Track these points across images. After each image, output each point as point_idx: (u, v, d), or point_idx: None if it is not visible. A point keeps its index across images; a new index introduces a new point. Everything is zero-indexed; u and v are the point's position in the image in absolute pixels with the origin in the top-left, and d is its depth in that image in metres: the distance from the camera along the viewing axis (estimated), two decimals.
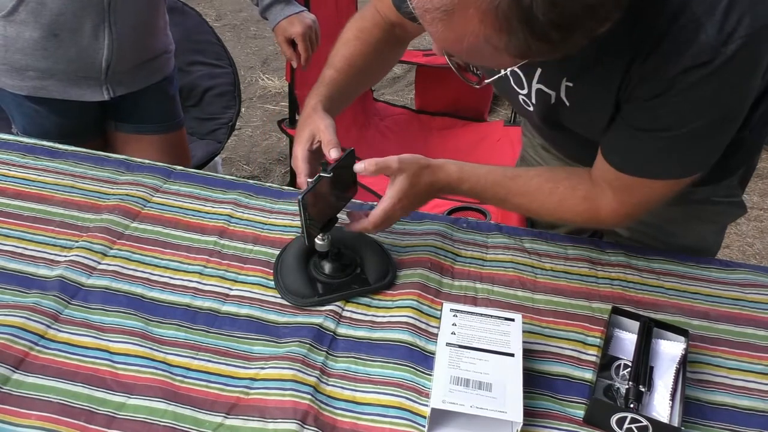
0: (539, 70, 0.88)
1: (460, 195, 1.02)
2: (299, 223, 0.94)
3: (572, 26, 0.64)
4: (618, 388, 0.88)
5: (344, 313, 0.98)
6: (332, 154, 0.94)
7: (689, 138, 0.80)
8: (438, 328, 0.90)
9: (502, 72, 0.84)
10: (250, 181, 1.25)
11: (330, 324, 0.96)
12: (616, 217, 0.93)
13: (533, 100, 0.93)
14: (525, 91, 0.93)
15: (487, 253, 1.11)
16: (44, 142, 1.29)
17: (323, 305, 0.98)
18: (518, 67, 0.90)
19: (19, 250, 1.04)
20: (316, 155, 0.99)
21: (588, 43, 0.70)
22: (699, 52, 0.73)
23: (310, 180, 0.95)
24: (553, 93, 0.89)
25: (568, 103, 0.88)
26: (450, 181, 0.97)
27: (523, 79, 0.91)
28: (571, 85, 0.86)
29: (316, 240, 0.98)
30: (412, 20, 1.02)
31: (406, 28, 1.08)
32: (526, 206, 1.01)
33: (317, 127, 0.97)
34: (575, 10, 0.62)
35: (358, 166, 0.95)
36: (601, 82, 0.82)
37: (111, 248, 1.06)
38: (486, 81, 0.84)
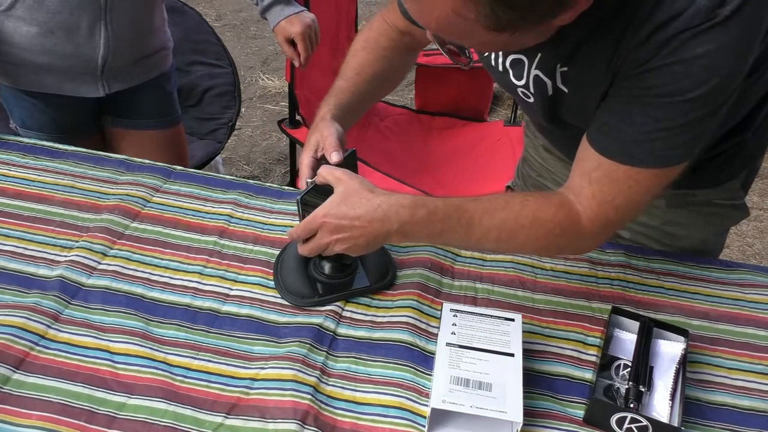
0: (539, 55, 0.88)
1: (415, 233, 0.89)
2: (299, 223, 0.95)
3: None
4: (618, 388, 0.88)
5: (344, 313, 0.98)
6: (333, 158, 0.95)
7: (681, 113, 0.77)
8: (438, 328, 0.90)
9: (492, 55, 0.82)
10: (250, 181, 1.25)
11: (330, 324, 0.96)
12: (596, 222, 0.87)
13: (532, 90, 0.93)
14: (522, 82, 0.93)
15: (487, 253, 1.11)
16: (44, 142, 1.29)
17: (323, 305, 0.98)
18: (521, 52, 0.90)
19: (20, 250, 1.04)
20: (321, 162, 0.99)
21: (578, 23, 0.70)
22: (693, 16, 0.71)
23: (309, 180, 0.95)
24: (549, 81, 0.89)
25: (566, 90, 0.88)
26: (400, 209, 0.87)
27: (525, 66, 0.91)
28: (565, 69, 0.86)
29: None
30: (415, 23, 1.03)
31: (415, 36, 1.09)
32: (497, 228, 0.87)
33: (322, 135, 0.98)
34: None
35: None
36: (593, 62, 0.81)
37: (111, 248, 1.06)
38: (474, 61, 0.83)
